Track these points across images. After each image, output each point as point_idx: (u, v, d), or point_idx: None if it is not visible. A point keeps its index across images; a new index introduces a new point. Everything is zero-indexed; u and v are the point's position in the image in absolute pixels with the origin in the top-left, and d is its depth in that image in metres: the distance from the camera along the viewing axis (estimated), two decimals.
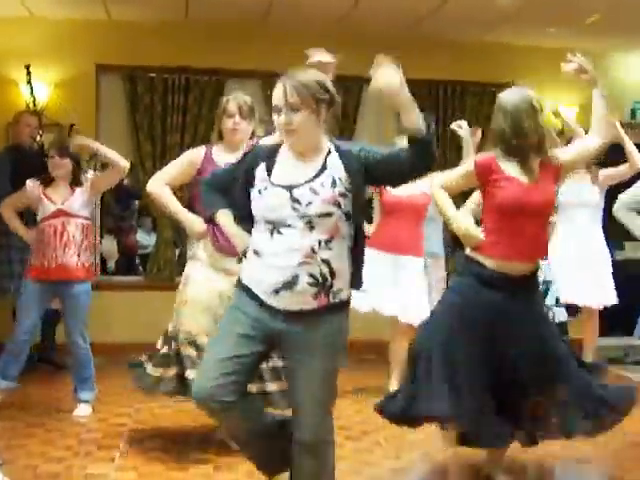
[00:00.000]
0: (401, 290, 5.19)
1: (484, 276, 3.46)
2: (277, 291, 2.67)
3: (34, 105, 6.39)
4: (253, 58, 6.98)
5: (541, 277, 4.81)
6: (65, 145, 4.92)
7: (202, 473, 3.79)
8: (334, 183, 2.69)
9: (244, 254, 2.80)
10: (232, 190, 2.85)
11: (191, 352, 3.96)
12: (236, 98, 4.16)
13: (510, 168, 3.47)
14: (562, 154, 3.62)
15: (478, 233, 3.51)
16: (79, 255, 4.79)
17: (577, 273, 5.78)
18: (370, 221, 5.41)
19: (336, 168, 2.72)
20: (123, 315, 6.76)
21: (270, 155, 2.79)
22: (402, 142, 5.37)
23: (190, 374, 3.87)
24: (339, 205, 2.68)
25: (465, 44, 7.30)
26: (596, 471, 4.19)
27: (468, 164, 3.64)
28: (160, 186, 4.13)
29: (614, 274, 5.95)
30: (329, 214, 2.67)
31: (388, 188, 5.07)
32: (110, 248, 8.87)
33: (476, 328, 3.41)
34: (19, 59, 6.50)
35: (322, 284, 2.67)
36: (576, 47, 7.29)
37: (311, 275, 2.65)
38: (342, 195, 2.69)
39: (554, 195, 3.57)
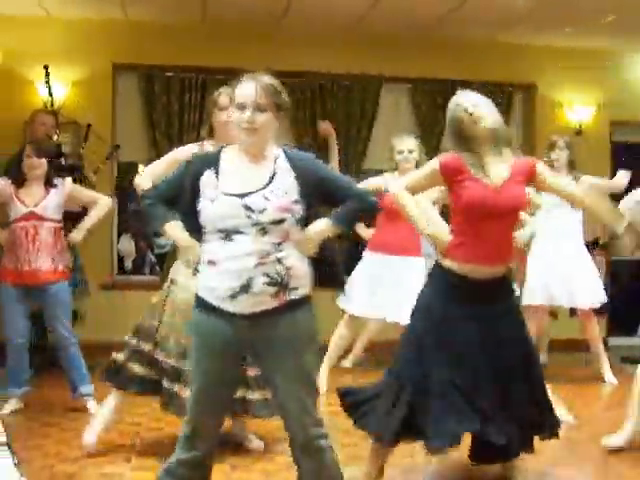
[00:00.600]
0: (402, 291, 5.16)
1: (451, 281, 3.42)
2: (234, 296, 2.67)
3: (52, 105, 6.40)
4: (270, 58, 6.95)
5: None
6: (42, 144, 4.83)
7: (219, 472, 3.77)
8: (286, 191, 2.71)
9: (197, 266, 2.78)
10: (178, 202, 2.81)
11: (181, 365, 3.85)
12: (228, 92, 4.10)
13: (476, 169, 3.41)
14: (548, 173, 3.59)
15: (444, 235, 3.46)
16: (53, 259, 4.76)
17: (562, 275, 5.76)
18: (371, 225, 5.42)
19: (286, 175, 2.75)
20: (139, 314, 6.76)
21: (214, 162, 2.78)
22: (400, 144, 5.33)
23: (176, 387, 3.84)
24: (291, 212, 2.71)
25: (481, 45, 7.28)
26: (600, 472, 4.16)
27: (433, 163, 3.53)
28: (148, 183, 3.95)
29: (632, 273, 5.92)
30: (282, 220, 2.69)
31: (387, 190, 5.08)
32: (127, 247, 8.90)
33: (448, 336, 3.37)
34: (36, 59, 6.52)
35: (279, 283, 2.68)
36: (594, 47, 7.35)
37: (267, 275, 2.66)
38: (295, 202, 2.72)
39: (523, 197, 3.48)
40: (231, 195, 2.69)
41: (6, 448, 2.70)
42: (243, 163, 2.77)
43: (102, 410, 4.09)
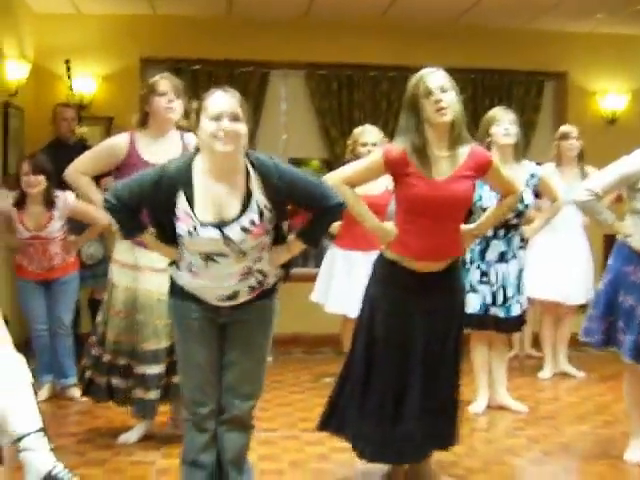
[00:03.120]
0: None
1: (394, 272, 3.35)
2: (221, 300, 2.84)
3: (74, 98, 6.44)
4: (296, 50, 6.98)
5: (518, 266, 4.71)
6: (38, 160, 4.76)
7: None
8: (261, 214, 2.74)
9: (177, 265, 2.87)
10: (147, 210, 2.84)
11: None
12: (167, 77, 4.02)
13: (420, 162, 3.23)
14: (502, 168, 3.45)
15: (389, 229, 3.36)
16: (64, 257, 4.88)
17: (561, 270, 5.69)
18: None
19: (258, 191, 2.74)
20: None
21: (186, 180, 2.72)
22: (364, 136, 5.16)
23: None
24: (268, 231, 2.80)
25: (511, 32, 7.20)
26: None
27: (377, 155, 3.37)
28: (75, 173, 3.99)
29: None
30: (260, 242, 2.79)
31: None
32: None
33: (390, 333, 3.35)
34: (66, 55, 6.58)
35: (258, 287, 2.86)
36: (627, 33, 7.24)
37: (249, 286, 2.83)
38: (269, 221, 2.78)
39: (468, 193, 3.34)
40: (209, 225, 2.70)
41: (43, 434, 2.74)
42: (215, 181, 2.73)
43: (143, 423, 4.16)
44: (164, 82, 3.96)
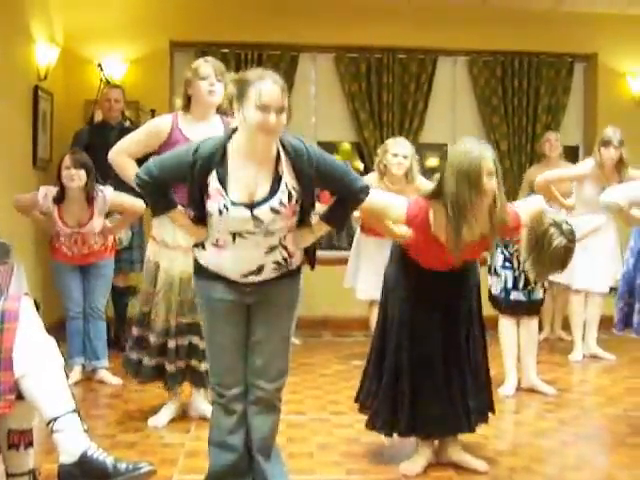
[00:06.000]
0: None
1: (409, 261, 3.44)
2: (245, 276, 2.85)
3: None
4: (325, 32, 6.95)
5: None
6: (80, 155, 4.76)
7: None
8: (290, 195, 2.77)
9: (202, 244, 2.89)
10: (178, 186, 2.86)
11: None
12: (210, 61, 4.04)
13: (441, 223, 3.25)
14: (522, 212, 3.37)
15: (405, 234, 3.36)
16: (102, 243, 4.94)
17: (586, 258, 5.59)
18: None
19: (288, 175, 2.77)
20: None
21: (219, 160, 2.75)
22: (396, 147, 5.18)
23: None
24: (296, 213, 2.82)
25: (540, 14, 7.08)
26: None
27: (401, 207, 3.35)
28: (119, 155, 3.99)
29: None
30: (287, 224, 2.82)
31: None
32: None
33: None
34: (96, 38, 6.62)
35: (284, 265, 2.87)
36: None
37: (275, 262, 2.85)
38: (297, 202, 2.80)
39: (480, 253, 3.48)
40: (239, 205, 2.74)
41: (76, 415, 2.77)
42: (249, 163, 2.76)
43: (171, 404, 4.20)
44: (206, 66, 3.98)
